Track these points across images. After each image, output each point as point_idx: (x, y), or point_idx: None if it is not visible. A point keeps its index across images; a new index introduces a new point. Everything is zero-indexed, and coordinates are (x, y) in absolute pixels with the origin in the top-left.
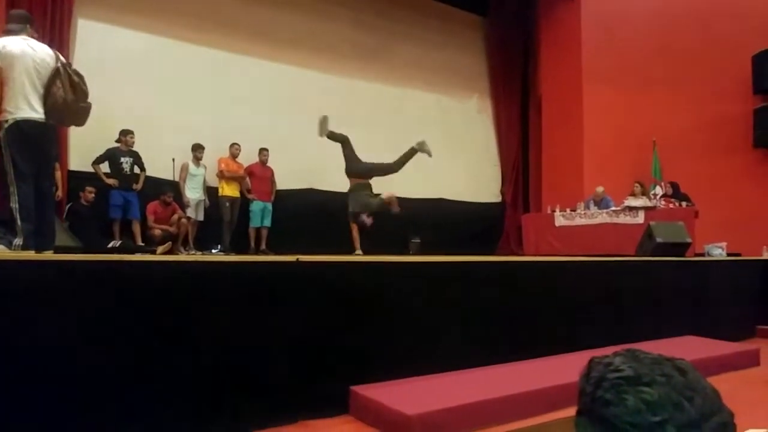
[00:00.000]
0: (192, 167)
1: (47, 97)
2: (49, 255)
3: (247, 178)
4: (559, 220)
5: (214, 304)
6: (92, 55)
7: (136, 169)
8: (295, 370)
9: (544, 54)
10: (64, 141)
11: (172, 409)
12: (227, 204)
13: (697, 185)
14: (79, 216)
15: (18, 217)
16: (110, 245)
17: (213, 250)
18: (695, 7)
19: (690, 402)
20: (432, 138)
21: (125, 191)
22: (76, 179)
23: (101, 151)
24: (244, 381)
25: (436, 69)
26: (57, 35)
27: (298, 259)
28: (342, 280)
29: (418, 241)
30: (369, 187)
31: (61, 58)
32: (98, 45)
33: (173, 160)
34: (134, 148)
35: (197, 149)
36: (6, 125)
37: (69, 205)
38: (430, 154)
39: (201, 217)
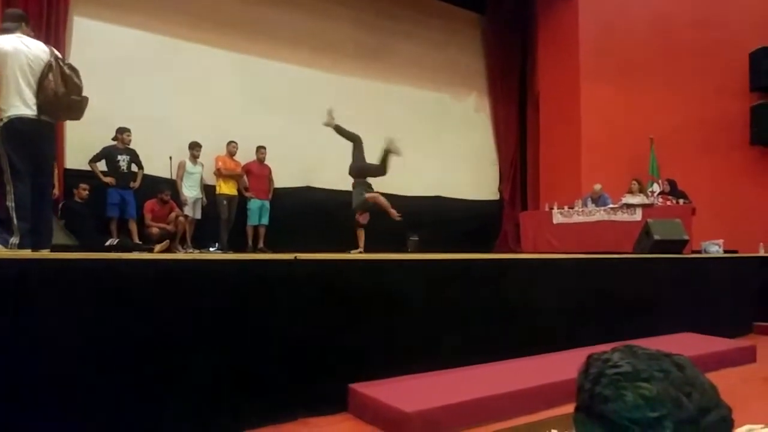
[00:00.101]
0: (189, 165)
1: (39, 92)
2: (46, 253)
3: (245, 176)
4: (557, 217)
5: (212, 302)
6: (89, 54)
7: (134, 167)
8: (293, 368)
9: (541, 52)
10: (61, 139)
11: (171, 407)
12: (225, 202)
13: (694, 182)
14: (75, 214)
15: (14, 215)
16: (108, 243)
17: (211, 249)
18: (693, 5)
19: (688, 397)
20: (430, 136)
21: (122, 189)
22: (72, 177)
23: (98, 150)
24: (242, 379)
25: (434, 67)
26: (53, 34)
27: (296, 257)
28: (340, 278)
29: (417, 238)
30: (365, 185)
31: (56, 52)
32: (95, 43)
33: (170, 158)
34: (131, 146)
35: (194, 147)
36: (0, 123)
37: (62, 203)
38: (399, 154)
39: (198, 216)
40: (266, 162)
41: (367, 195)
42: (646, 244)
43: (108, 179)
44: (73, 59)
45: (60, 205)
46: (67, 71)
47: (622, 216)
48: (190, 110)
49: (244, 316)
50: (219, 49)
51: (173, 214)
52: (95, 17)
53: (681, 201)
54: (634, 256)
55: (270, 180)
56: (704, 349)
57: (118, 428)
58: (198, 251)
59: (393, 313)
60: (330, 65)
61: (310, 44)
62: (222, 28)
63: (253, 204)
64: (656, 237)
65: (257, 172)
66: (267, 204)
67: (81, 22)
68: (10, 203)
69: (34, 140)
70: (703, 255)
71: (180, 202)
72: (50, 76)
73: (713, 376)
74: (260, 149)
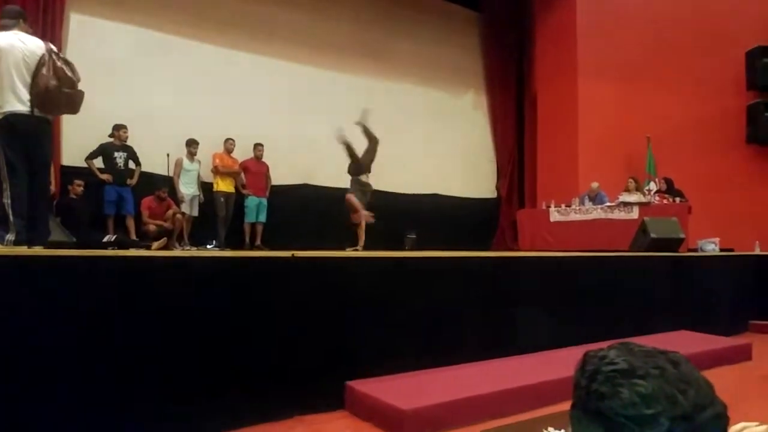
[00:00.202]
0: (186, 162)
1: (32, 86)
2: (42, 250)
3: (242, 174)
4: (554, 215)
5: (210, 299)
6: (85, 50)
7: (131, 164)
8: (290, 365)
9: (539, 50)
10: (57, 136)
11: (169, 404)
12: (222, 199)
13: (691, 181)
14: (70, 211)
15: (10, 212)
16: (106, 240)
17: (208, 246)
18: (690, 4)
19: (683, 394)
20: (428, 134)
21: (119, 186)
22: (69, 174)
23: (95, 147)
24: (239, 376)
25: (431, 65)
26: (49, 30)
27: (293, 254)
28: (337, 276)
29: (414, 236)
30: (358, 183)
31: (52, 47)
32: (91, 40)
33: (167, 155)
34: (128, 143)
35: (191, 144)
36: None
37: (57, 200)
38: (366, 118)
39: (195, 213)
40: (264, 159)
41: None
42: (643, 243)
43: (105, 176)
44: (70, 56)
45: (55, 202)
46: (59, 64)
47: (619, 214)
48: (188, 107)
49: (241, 313)
50: (217, 47)
51: (170, 212)
52: (92, 14)
53: (677, 199)
54: (630, 254)
55: (267, 177)
56: (700, 347)
57: (114, 425)
58: (195, 248)
59: (390, 311)
60: (328, 63)
61: (309, 42)
62: (220, 25)
63: (251, 201)
64: (653, 235)
65: (255, 169)
66: (264, 201)
67: (77, 19)
68: (6, 200)
69: (29, 137)
70: (700, 253)
71: (177, 200)
72: (43, 69)
73: (709, 374)
74: (258, 146)
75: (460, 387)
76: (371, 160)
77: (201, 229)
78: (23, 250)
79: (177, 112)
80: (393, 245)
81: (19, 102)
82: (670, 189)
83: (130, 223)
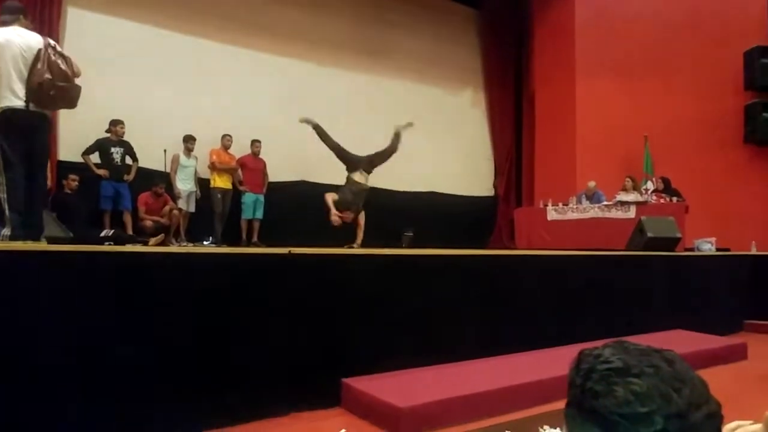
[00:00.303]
0: (183, 158)
1: (28, 81)
2: (38, 245)
3: (239, 170)
4: (551, 214)
5: (206, 295)
6: (83, 46)
7: (128, 160)
8: (287, 361)
9: (537, 48)
10: (54, 131)
11: (165, 400)
12: (219, 196)
13: (688, 180)
14: (66, 206)
15: (6, 207)
16: (103, 234)
17: (205, 242)
18: (688, 3)
19: (678, 393)
20: (426, 131)
21: (116, 182)
22: (66, 169)
23: (91, 142)
24: (236, 372)
25: (430, 62)
26: (47, 25)
27: (290, 251)
28: (334, 273)
29: (411, 234)
30: (346, 181)
31: (50, 41)
32: (89, 35)
33: (165, 151)
34: (125, 139)
35: (188, 140)
36: None
37: (53, 195)
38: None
39: (192, 209)
40: (261, 156)
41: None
42: (640, 242)
43: (101, 171)
44: (67, 51)
45: (50, 197)
46: (53, 58)
47: (616, 213)
48: (185, 103)
49: (238, 310)
50: (215, 42)
51: (167, 208)
52: (89, 9)
53: (674, 199)
54: (627, 253)
55: (264, 174)
56: (696, 346)
57: (110, 421)
58: (192, 245)
59: (386, 308)
60: (326, 59)
61: (307, 38)
62: (218, 21)
63: (248, 198)
64: (649, 234)
65: (252, 165)
66: (261, 198)
67: (75, 14)
68: (2, 194)
69: (25, 131)
70: (696, 253)
71: (174, 196)
72: (39, 64)
73: (704, 374)
74: (255, 143)
75: (456, 385)
76: (371, 162)
77: (198, 226)
78: (19, 245)
79: (174, 108)
80: (390, 243)
81: (15, 97)
82: (667, 188)
83: (127, 219)
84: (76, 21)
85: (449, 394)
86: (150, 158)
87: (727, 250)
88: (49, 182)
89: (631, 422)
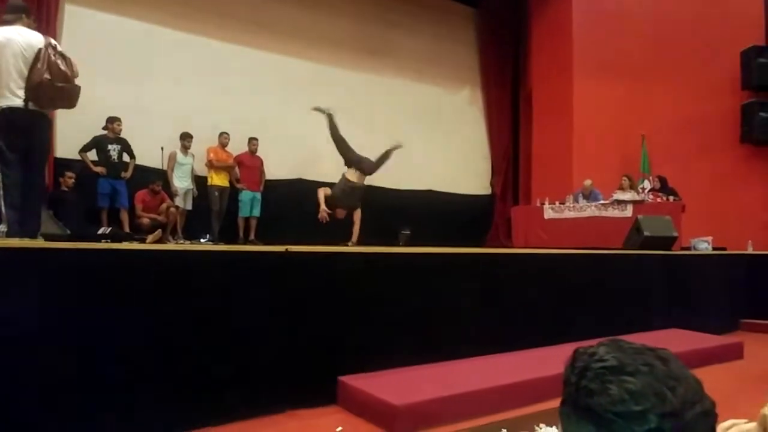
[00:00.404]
0: (180, 156)
1: (27, 80)
2: (35, 242)
3: (236, 168)
4: (548, 212)
5: (203, 293)
6: (80, 42)
7: (125, 157)
8: (283, 359)
9: (535, 47)
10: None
11: (160, 397)
12: (216, 193)
13: (685, 180)
14: (62, 203)
15: (2, 204)
16: (100, 232)
17: (202, 240)
18: (686, 3)
19: (672, 391)
20: (423, 129)
21: (113, 179)
22: (62, 166)
23: (88, 139)
24: (232, 370)
25: (427, 61)
26: (44, 22)
27: (287, 249)
28: (331, 271)
29: (408, 232)
30: (342, 179)
31: (51, 41)
32: (87, 32)
33: (162, 148)
34: (122, 136)
35: (185, 138)
36: None
37: (50, 192)
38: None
39: (189, 207)
40: (258, 154)
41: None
42: (636, 241)
43: (99, 169)
44: (65, 48)
45: (47, 195)
46: (53, 58)
47: (613, 212)
48: (183, 101)
49: (235, 308)
50: (212, 40)
51: (164, 205)
52: (87, 5)
53: (671, 198)
54: (623, 252)
55: (261, 172)
56: (692, 345)
57: (108, 418)
58: (189, 242)
59: (383, 306)
60: (323, 57)
61: (305, 36)
62: (217, 18)
63: (245, 195)
64: (646, 233)
65: (249, 163)
66: (258, 196)
67: (73, 11)
68: None
69: (24, 131)
70: (692, 252)
71: (171, 193)
72: (38, 64)
73: (700, 372)
74: (252, 141)
75: (452, 383)
76: (369, 167)
77: (195, 223)
78: (15, 242)
79: (171, 106)
80: (387, 241)
81: (15, 96)
82: (664, 187)
83: (124, 217)
84: (73, 18)
85: (445, 392)
86: (147, 156)
87: (724, 249)
88: (46, 180)
89: (625, 420)
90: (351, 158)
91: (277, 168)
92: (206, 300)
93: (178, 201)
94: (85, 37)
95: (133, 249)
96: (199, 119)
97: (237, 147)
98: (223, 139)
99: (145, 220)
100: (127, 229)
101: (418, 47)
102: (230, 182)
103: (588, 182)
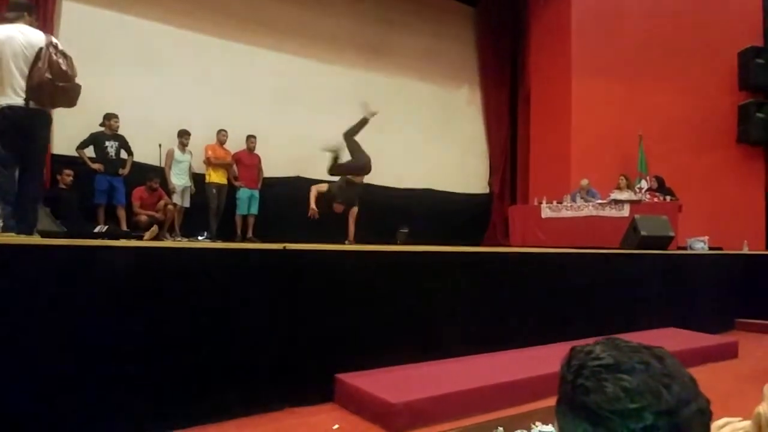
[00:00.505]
0: (178, 153)
1: (28, 79)
2: (29, 238)
3: (235, 165)
4: (546, 212)
5: (201, 291)
6: (78, 39)
7: (122, 154)
8: (280, 357)
9: (533, 46)
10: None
11: (159, 395)
12: (214, 191)
13: (682, 180)
14: (60, 201)
15: None
16: (96, 230)
17: (199, 237)
18: (683, 4)
19: (668, 389)
20: (421, 128)
21: (111, 176)
22: (59, 163)
23: (85, 136)
24: (230, 368)
25: (426, 59)
26: (42, 18)
27: (285, 247)
28: (329, 269)
29: (406, 230)
30: (341, 178)
31: (53, 40)
32: (84, 28)
33: (160, 145)
34: (119, 133)
35: (183, 135)
36: None
37: (47, 190)
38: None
39: (187, 204)
40: (256, 151)
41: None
42: (633, 240)
43: (96, 166)
44: (62, 44)
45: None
46: (55, 57)
47: (610, 212)
48: (181, 98)
49: (232, 305)
50: (211, 37)
51: (162, 202)
52: (85, 2)
53: (668, 198)
54: (620, 251)
55: (259, 169)
56: (687, 344)
57: (104, 414)
58: (186, 240)
59: (381, 304)
60: (322, 55)
61: (304, 34)
62: (214, 16)
63: (243, 193)
64: (643, 233)
65: (247, 161)
66: (256, 193)
67: (71, 7)
68: None
69: (24, 128)
70: (689, 251)
71: (169, 190)
72: (39, 63)
73: (695, 371)
74: (250, 138)
75: (449, 381)
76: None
77: (192, 221)
78: (11, 237)
79: (170, 103)
80: (385, 239)
81: (15, 94)
82: (661, 187)
83: (121, 214)
84: (71, 14)
85: (442, 390)
86: (145, 153)
87: (720, 249)
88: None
89: (621, 418)
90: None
91: (275, 166)
92: (203, 298)
93: (176, 198)
94: (83, 33)
95: (129, 246)
96: (197, 116)
97: (235, 144)
98: (222, 136)
99: (143, 218)
100: (124, 227)
101: (417, 46)
102: (228, 180)
103: (584, 182)
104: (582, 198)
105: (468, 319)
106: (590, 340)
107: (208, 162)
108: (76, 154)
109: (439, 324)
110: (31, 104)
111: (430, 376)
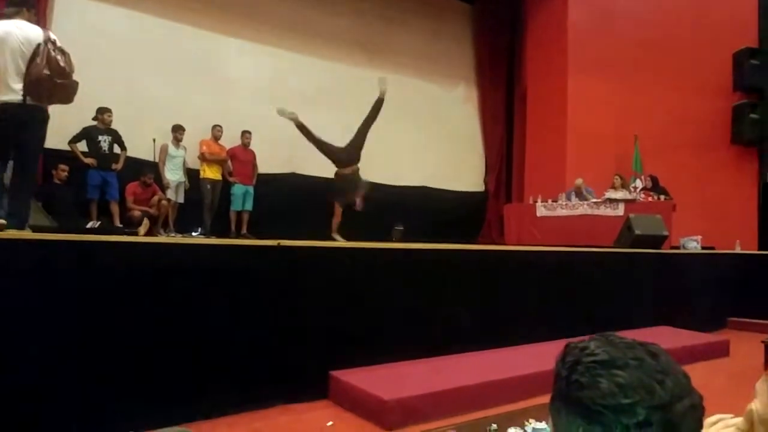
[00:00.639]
0: (171, 148)
1: (26, 75)
2: (20, 233)
3: (229, 161)
4: (541, 210)
5: (195, 287)
6: (71, 32)
7: (116, 149)
8: (275, 354)
9: (530, 45)
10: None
11: (153, 392)
12: (208, 186)
13: (676, 179)
14: (54, 196)
15: None
16: (89, 226)
17: (193, 233)
18: (679, 5)
19: (661, 385)
20: (418, 126)
21: (104, 171)
22: (51, 158)
23: (77, 130)
24: (225, 364)
25: (423, 57)
26: (35, 12)
27: (279, 243)
28: (323, 266)
29: (401, 228)
30: (336, 177)
31: (51, 36)
32: (77, 21)
33: (154, 140)
34: (112, 127)
35: (177, 130)
36: None
37: (41, 185)
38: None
39: (181, 200)
40: (251, 147)
41: None
42: (627, 239)
43: (89, 160)
44: (55, 37)
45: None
46: (53, 54)
47: (605, 210)
48: (175, 92)
49: (226, 302)
50: (206, 32)
51: (156, 198)
52: None
53: (662, 197)
54: (614, 250)
55: (254, 165)
56: (679, 342)
57: (100, 411)
58: (180, 236)
59: (375, 301)
60: (319, 52)
61: (300, 30)
62: (210, 10)
63: (237, 189)
64: (637, 232)
65: (242, 157)
66: (251, 189)
67: (65, 0)
68: None
69: (18, 124)
70: (682, 251)
71: (163, 186)
72: (37, 59)
73: (688, 369)
74: (245, 134)
75: (442, 378)
76: (354, 145)
77: (186, 217)
78: (2, 232)
79: (164, 97)
80: (380, 236)
81: (11, 91)
82: (655, 186)
83: (114, 209)
84: (64, 7)
85: (435, 388)
86: (139, 148)
87: (713, 248)
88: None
89: (614, 413)
90: (336, 158)
91: (269, 162)
92: (197, 294)
93: (170, 194)
94: (77, 26)
95: (121, 241)
96: (191, 111)
97: (230, 140)
98: (216, 131)
99: (136, 213)
100: (117, 222)
101: (413, 43)
102: (223, 175)
103: (579, 181)
104: (577, 196)
105: (462, 316)
106: (584, 338)
107: (202, 157)
108: (68, 148)
109: (434, 321)
110: (29, 100)
111: (424, 373)
